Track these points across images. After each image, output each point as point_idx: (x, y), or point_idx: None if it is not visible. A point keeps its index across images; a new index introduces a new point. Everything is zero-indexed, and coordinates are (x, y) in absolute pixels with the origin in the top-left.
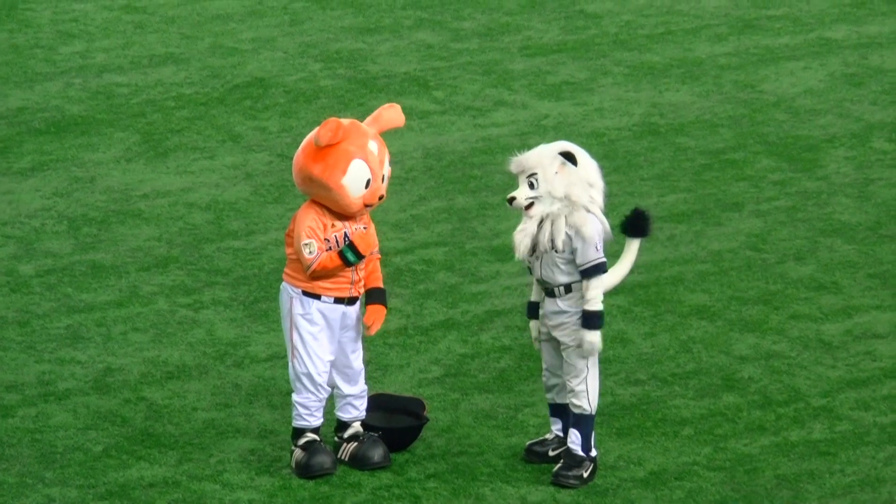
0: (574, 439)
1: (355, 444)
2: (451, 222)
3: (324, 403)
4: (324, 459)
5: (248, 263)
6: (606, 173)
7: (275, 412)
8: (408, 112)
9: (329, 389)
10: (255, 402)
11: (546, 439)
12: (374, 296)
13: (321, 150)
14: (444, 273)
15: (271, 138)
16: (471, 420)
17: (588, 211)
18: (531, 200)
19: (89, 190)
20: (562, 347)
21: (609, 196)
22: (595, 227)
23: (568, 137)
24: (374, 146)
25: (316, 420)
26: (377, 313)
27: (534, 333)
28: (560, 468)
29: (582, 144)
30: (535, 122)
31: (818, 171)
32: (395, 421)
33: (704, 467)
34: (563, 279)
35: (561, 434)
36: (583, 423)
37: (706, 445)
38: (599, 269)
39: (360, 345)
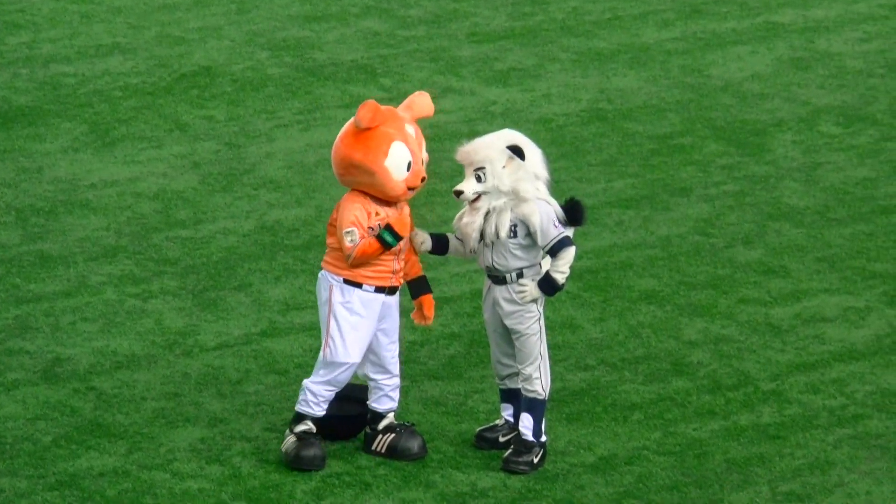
0: (526, 423)
1: (392, 435)
2: None
3: (332, 396)
4: (315, 454)
5: (196, 252)
6: (554, 159)
7: (224, 401)
8: (355, 100)
9: (343, 385)
10: (205, 391)
11: (496, 425)
12: (423, 285)
13: (360, 136)
14: None
15: (219, 127)
16: (420, 407)
17: (535, 199)
18: (478, 194)
19: (37, 180)
20: (514, 336)
21: (557, 182)
22: (543, 210)
23: (516, 124)
24: (411, 129)
25: (320, 410)
26: (431, 302)
27: (419, 238)
28: (510, 454)
29: (530, 131)
30: (482, 108)
31: (766, 155)
32: (345, 409)
33: (654, 452)
34: (517, 264)
35: (511, 420)
36: (535, 407)
37: (656, 430)
38: (565, 242)
39: (397, 335)
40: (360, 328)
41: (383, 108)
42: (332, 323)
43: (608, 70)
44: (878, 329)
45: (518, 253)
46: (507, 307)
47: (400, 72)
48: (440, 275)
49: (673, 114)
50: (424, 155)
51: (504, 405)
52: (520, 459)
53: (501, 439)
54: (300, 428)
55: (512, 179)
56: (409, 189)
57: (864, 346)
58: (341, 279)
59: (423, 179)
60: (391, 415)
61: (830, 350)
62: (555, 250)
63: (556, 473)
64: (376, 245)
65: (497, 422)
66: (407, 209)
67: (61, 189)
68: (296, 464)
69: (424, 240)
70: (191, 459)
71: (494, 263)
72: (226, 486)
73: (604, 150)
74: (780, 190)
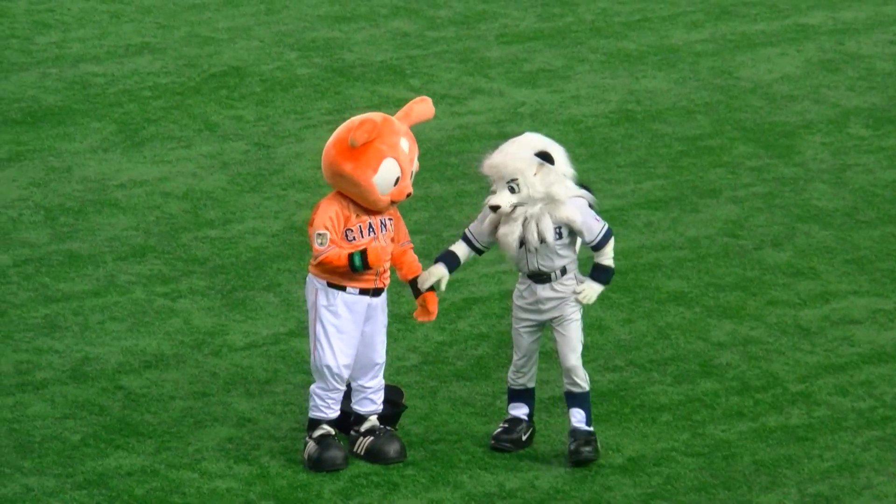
0: (580, 418)
1: (371, 438)
2: (428, 210)
3: (340, 397)
4: (336, 455)
5: (224, 252)
6: (583, 160)
7: (252, 400)
8: (384, 101)
9: (345, 383)
10: (233, 390)
11: (509, 427)
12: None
13: (354, 148)
14: (422, 261)
15: (247, 127)
16: (448, 407)
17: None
18: (514, 206)
19: (66, 180)
20: (557, 324)
21: (586, 183)
22: (581, 207)
23: (544, 125)
24: (405, 144)
25: (332, 412)
26: (434, 298)
27: (432, 279)
28: (579, 445)
29: (559, 132)
30: (511, 109)
31: (795, 157)
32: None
33: (682, 453)
34: (561, 262)
35: (526, 418)
36: (584, 400)
37: (684, 431)
38: (608, 234)
39: (384, 338)
40: (345, 331)
41: (381, 120)
42: (318, 327)
43: (637, 71)
44: None
45: (562, 252)
46: (549, 304)
47: (429, 72)
48: (469, 275)
49: (702, 115)
50: (415, 167)
51: (518, 404)
52: (588, 448)
53: (524, 438)
54: (317, 433)
55: (545, 185)
56: (393, 202)
57: (892, 349)
58: (325, 282)
59: (408, 195)
60: (373, 417)
61: (859, 352)
62: (600, 245)
63: (584, 474)
64: (344, 262)
65: (504, 424)
66: (399, 218)
67: (90, 188)
68: (318, 467)
69: (441, 277)
70: (219, 459)
71: (540, 266)
72: (254, 486)
73: (632, 151)
74: (808, 192)
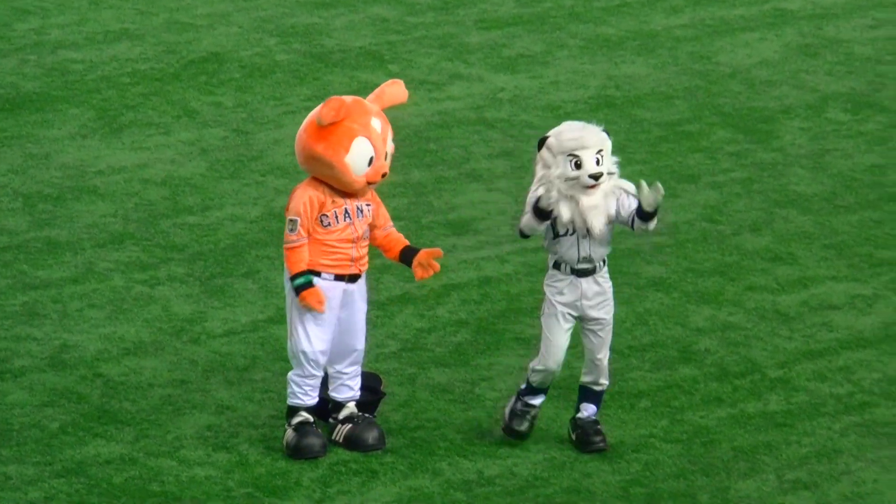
0: (592, 411)
1: (350, 425)
2: (407, 196)
3: (318, 383)
4: (314, 442)
5: (203, 239)
6: None
7: (231, 388)
8: (363, 86)
9: (322, 369)
10: (212, 378)
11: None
12: (413, 250)
13: (324, 129)
14: None
15: (227, 113)
16: (427, 394)
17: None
18: (601, 172)
19: (44, 167)
20: (598, 327)
21: None
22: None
23: (524, 110)
24: (377, 123)
25: (310, 399)
26: (423, 258)
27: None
28: (591, 436)
29: (538, 117)
30: (490, 95)
31: (774, 142)
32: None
33: (661, 440)
34: (605, 252)
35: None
36: (601, 397)
37: (663, 418)
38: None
39: (362, 324)
40: (320, 317)
41: (350, 100)
42: (294, 313)
43: (616, 57)
44: (886, 316)
45: (608, 237)
46: (596, 299)
47: (408, 58)
48: (448, 261)
49: (681, 101)
50: (390, 147)
51: (540, 395)
52: (601, 437)
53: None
54: (296, 420)
55: (611, 161)
56: (369, 183)
57: (871, 334)
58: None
59: (383, 175)
60: (351, 404)
61: (838, 337)
62: (647, 216)
63: (563, 461)
64: (294, 269)
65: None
66: (379, 202)
67: (69, 175)
68: (296, 454)
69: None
70: (198, 447)
71: (592, 255)
72: (233, 474)
73: (612, 136)
74: (787, 177)
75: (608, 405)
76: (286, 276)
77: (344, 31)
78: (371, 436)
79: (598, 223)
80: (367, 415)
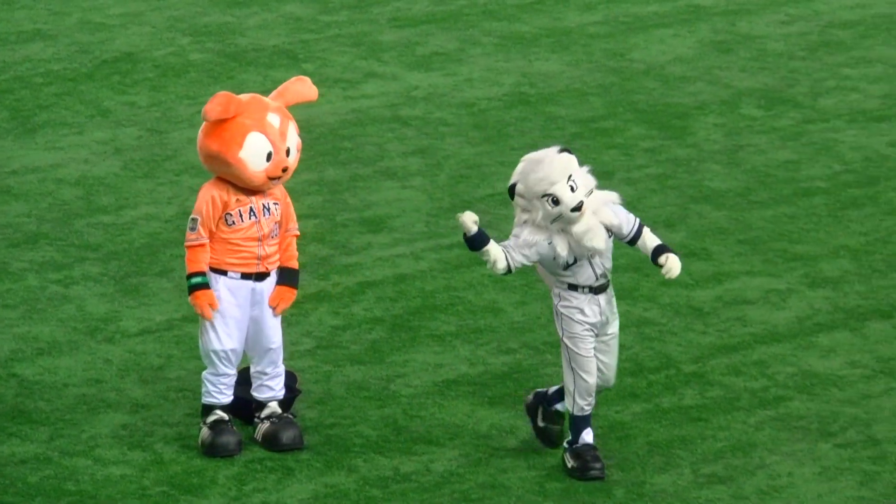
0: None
1: (268, 424)
2: (322, 194)
3: (232, 381)
4: (228, 440)
5: (118, 238)
6: (477, 143)
7: (146, 387)
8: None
9: (234, 367)
10: (127, 377)
11: (587, 456)
12: (283, 276)
13: (218, 126)
14: (315, 245)
15: (141, 113)
16: (343, 391)
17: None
18: (581, 201)
19: None
20: (612, 339)
21: (479, 167)
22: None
23: (438, 108)
24: (274, 119)
25: (224, 398)
26: (283, 294)
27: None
28: (589, 464)
29: (452, 115)
30: (405, 93)
31: (688, 138)
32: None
33: None
34: (610, 264)
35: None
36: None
37: None
38: (641, 224)
39: (276, 323)
40: (229, 315)
41: (246, 97)
42: None
43: (531, 54)
44: (800, 311)
45: (612, 246)
46: (610, 313)
47: (322, 57)
48: (363, 259)
49: (595, 97)
50: (293, 141)
51: (589, 430)
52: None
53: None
54: (211, 418)
55: (586, 178)
56: (270, 179)
57: (785, 329)
58: (207, 266)
59: (284, 169)
60: (273, 403)
61: (752, 332)
62: (640, 232)
63: (479, 457)
64: (192, 269)
65: (574, 461)
66: (288, 201)
67: None
68: (211, 452)
69: (475, 221)
70: (113, 446)
71: (606, 270)
72: (148, 472)
73: (527, 133)
74: (702, 173)
75: (523, 401)
76: None
77: (257, 29)
78: (286, 435)
79: (598, 243)
80: (286, 414)
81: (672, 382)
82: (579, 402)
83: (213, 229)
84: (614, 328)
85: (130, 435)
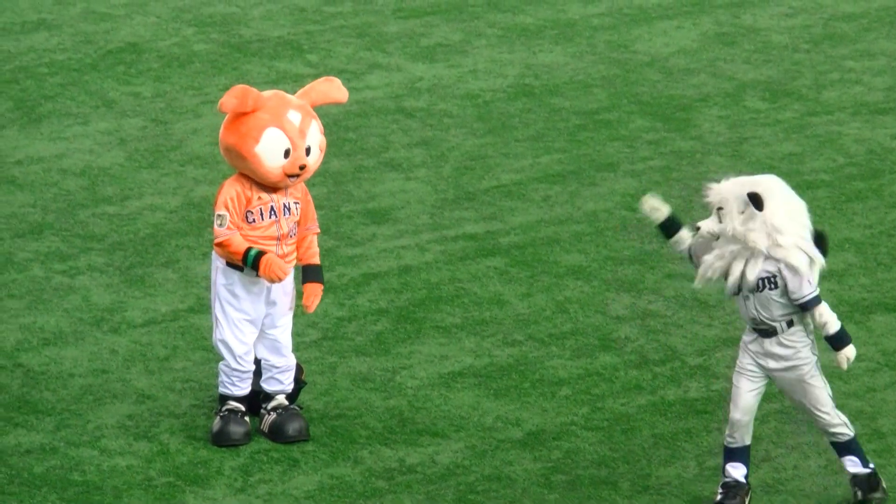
0: (852, 463)
1: (274, 415)
2: (327, 185)
3: (248, 374)
4: (235, 430)
5: (123, 229)
6: (481, 135)
7: (151, 377)
8: (281, 76)
9: (248, 363)
10: (132, 367)
11: (728, 492)
12: (310, 273)
13: (237, 120)
14: (320, 237)
15: (145, 103)
16: (348, 383)
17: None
18: (714, 235)
19: None
20: (798, 380)
21: (483, 158)
22: (802, 262)
23: (442, 99)
24: (294, 116)
25: (238, 389)
26: (314, 291)
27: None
28: (864, 494)
29: (456, 106)
30: (409, 84)
31: (692, 130)
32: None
33: (582, 427)
34: (784, 313)
35: (743, 480)
36: (852, 446)
37: (583, 405)
38: (817, 300)
39: (289, 318)
40: (243, 310)
41: (268, 93)
42: (217, 306)
43: (534, 46)
44: None
45: (782, 300)
46: (782, 362)
47: (326, 48)
48: (367, 251)
49: (599, 89)
50: (314, 140)
51: (736, 465)
52: (876, 495)
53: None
54: (225, 408)
55: (744, 228)
56: (288, 176)
57: None
58: (224, 262)
59: (301, 167)
60: (280, 396)
61: None
62: (807, 307)
63: (484, 449)
64: (239, 254)
65: (721, 490)
66: (309, 201)
67: None
68: (218, 440)
69: (660, 207)
70: (118, 436)
71: (760, 315)
72: (153, 463)
73: (530, 125)
74: (705, 165)
75: (528, 393)
76: (212, 268)
77: (262, 20)
78: (292, 427)
79: (711, 272)
80: (293, 406)
81: (677, 375)
82: (726, 432)
83: (238, 225)
84: (796, 375)
85: (136, 425)
